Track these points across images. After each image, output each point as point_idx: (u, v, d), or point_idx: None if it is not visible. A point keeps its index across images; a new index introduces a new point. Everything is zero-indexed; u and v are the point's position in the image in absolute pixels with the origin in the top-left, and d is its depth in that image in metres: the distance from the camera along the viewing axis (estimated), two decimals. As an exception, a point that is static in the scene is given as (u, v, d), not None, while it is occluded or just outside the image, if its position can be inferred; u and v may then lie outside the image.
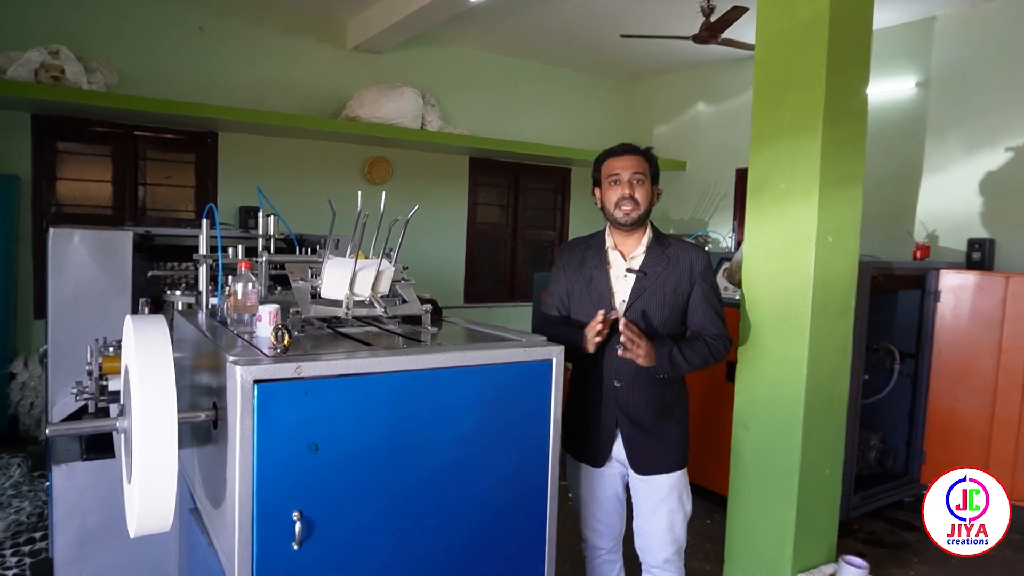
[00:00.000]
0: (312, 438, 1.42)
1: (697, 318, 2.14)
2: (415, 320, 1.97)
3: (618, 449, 2.15)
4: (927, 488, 3.83)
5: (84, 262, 2.70)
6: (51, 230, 2.65)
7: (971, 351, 3.81)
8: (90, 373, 2.24)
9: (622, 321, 2.00)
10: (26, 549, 2.92)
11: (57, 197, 4.95)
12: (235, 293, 1.79)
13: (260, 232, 2.67)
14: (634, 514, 2.22)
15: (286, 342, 1.48)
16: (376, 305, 1.84)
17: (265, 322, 1.69)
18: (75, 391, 2.20)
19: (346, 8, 5.48)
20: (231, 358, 1.37)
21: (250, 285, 1.82)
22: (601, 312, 2.02)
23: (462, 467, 1.62)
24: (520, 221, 7.24)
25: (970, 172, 4.79)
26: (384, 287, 1.89)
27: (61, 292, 2.67)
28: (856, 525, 3.62)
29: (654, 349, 2.03)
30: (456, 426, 1.60)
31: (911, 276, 3.91)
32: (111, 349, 2.27)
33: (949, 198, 4.89)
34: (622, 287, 2.15)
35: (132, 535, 1.39)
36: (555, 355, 1.73)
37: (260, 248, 2.60)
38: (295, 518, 1.40)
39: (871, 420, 4.02)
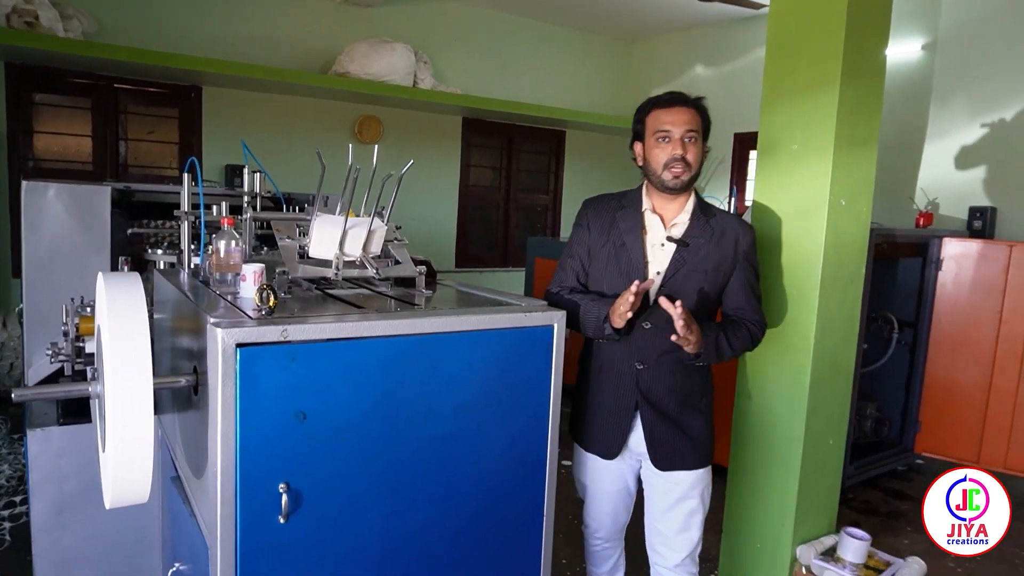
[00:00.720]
0: (300, 406, 1.33)
1: (735, 300, 1.92)
2: (408, 283, 1.88)
3: (635, 440, 1.94)
4: (921, 457, 3.79)
5: (60, 218, 2.58)
6: (24, 184, 2.52)
7: (971, 320, 3.76)
8: (66, 334, 2.14)
9: (669, 302, 1.72)
10: (5, 513, 2.85)
11: (34, 151, 4.77)
12: (217, 251, 1.68)
13: (246, 189, 2.56)
14: (646, 509, 2.02)
15: (271, 303, 1.38)
16: (367, 266, 1.74)
17: (249, 282, 1.58)
18: (50, 353, 2.10)
19: (335, -43, 5.26)
20: (212, 320, 1.27)
21: (233, 243, 1.71)
22: (636, 283, 1.73)
23: (459, 437, 1.54)
24: (513, 184, 7.09)
25: (974, 138, 4.69)
26: (376, 247, 1.79)
27: (36, 249, 2.55)
28: (851, 494, 3.61)
29: (701, 334, 1.79)
30: (453, 394, 1.52)
31: (913, 244, 3.84)
32: (88, 309, 2.17)
33: (952, 165, 4.80)
34: (658, 257, 1.89)
35: (107, 506, 1.31)
36: (556, 320, 1.65)
37: (245, 205, 2.49)
38: (281, 490, 1.32)
39: (868, 389, 3.99)
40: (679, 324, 1.71)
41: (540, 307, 1.66)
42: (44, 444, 2.06)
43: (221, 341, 1.24)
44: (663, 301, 1.73)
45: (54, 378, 2.33)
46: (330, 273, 1.69)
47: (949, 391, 3.84)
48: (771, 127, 2.20)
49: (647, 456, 1.93)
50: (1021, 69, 4.46)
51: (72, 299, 2.15)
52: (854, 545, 2.15)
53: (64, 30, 4.29)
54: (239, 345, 1.26)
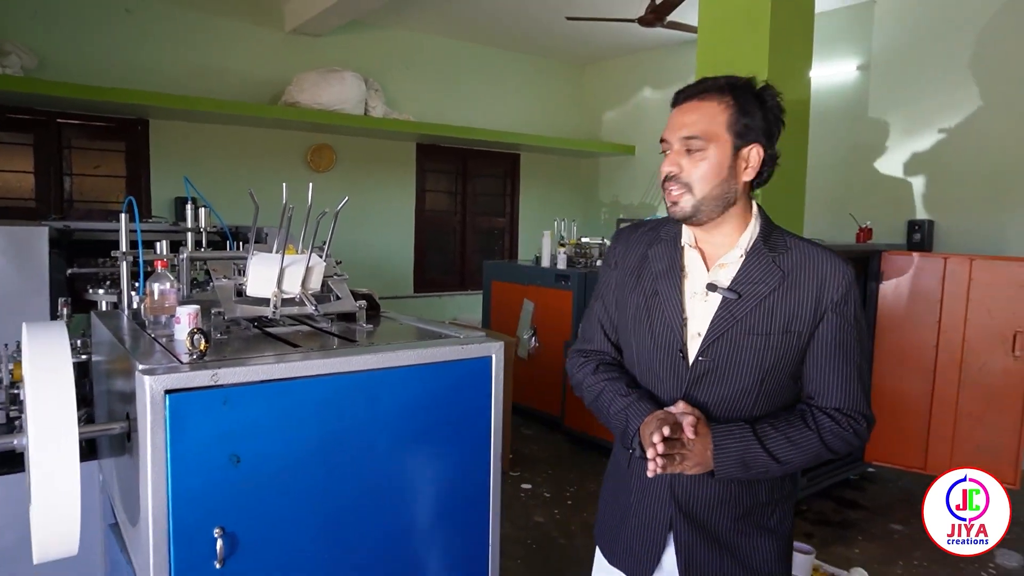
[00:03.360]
0: (233, 450, 1.33)
1: (814, 379, 1.32)
2: (350, 317, 1.88)
3: (669, 559, 1.39)
4: (871, 466, 3.86)
5: (-5, 260, 2.52)
6: (-44, 227, 2.46)
7: (912, 331, 3.89)
8: (0, 382, 2.09)
9: (687, 408, 1.29)
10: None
11: (-27, 189, 4.66)
12: (151, 294, 1.67)
13: (189, 225, 2.54)
14: None
15: (202, 347, 1.37)
16: (306, 303, 1.75)
17: (184, 324, 1.57)
18: (-17, 401, 2.04)
19: (282, -11, 5.28)
20: (140, 366, 1.26)
21: (168, 284, 1.70)
22: (659, 416, 1.27)
23: (400, 474, 1.54)
24: (469, 208, 7.14)
25: (910, 154, 4.89)
26: (315, 283, 1.79)
27: (-30, 293, 2.49)
28: (804, 506, 3.68)
29: (710, 443, 1.26)
30: (392, 430, 1.52)
31: (855, 258, 3.96)
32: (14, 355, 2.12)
33: (890, 180, 4.99)
34: (698, 313, 1.34)
35: (35, 561, 1.28)
36: (494, 351, 1.67)
37: (189, 243, 2.47)
38: (216, 535, 1.30)
39: (817, 401, 4.08)
40: (650, 458, 1.22)
41: (478, 339, 1.67)
42: (-25, 494, 2.00)
43: (149, 388, 1.23)
44: (678, 407, 1.30)
45: (-12, 427, 2.27)
46: (268, 312, 1.69)
47: (896, 400, 3.95)
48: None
49: None
50: (950, 86, 4.67)
51: (6, 345, 2.10)
52: (799, 559, 2.20)
53: (2, 66, 4.22)
54: (168, 391, 1.25)
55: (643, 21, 4.63)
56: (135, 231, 1.98)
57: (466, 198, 7.11)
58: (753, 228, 1.34)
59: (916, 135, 4.85)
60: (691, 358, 1.33)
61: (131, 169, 5.17)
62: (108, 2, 4.92)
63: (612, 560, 1.49)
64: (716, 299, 1.32)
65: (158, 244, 2.12)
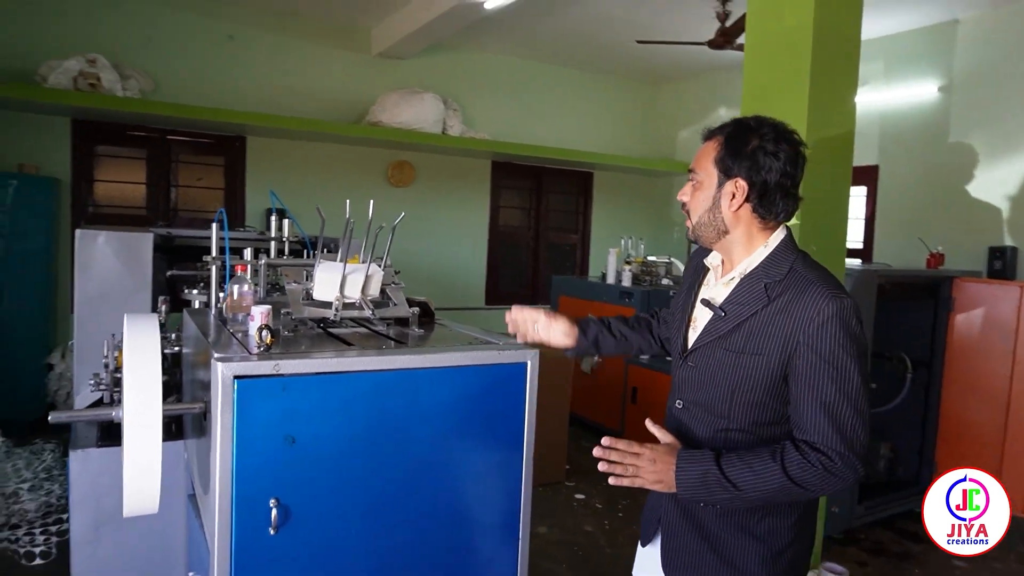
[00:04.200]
0: (289, 431, 1.52)
1: (795, 412, 1.35)
2: (405, 322, 2.07)
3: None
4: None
5: (108, 261, 2.87)
6: (77, 231, 2.82)
7: (984, 360, 3.77)
8: (106, 366, 2.40)
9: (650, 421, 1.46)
10: (54, 528, 3.10)
11: (95, 198, 5.20)
12: (231, 294, 1.91)
13: (273, 234, 2.82)
14: None
15: (268, 341, 1.58)
16: (365, 307, 1.94)
17: (257, 322, 1.80)
18: (93, 383, 2.35)
19: (370, 16, 5.63)
20: (216, 355, 1.48)
21: (246, 287, 1.94)
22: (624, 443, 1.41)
23: (436, 463, 1.70)
24: (542, 224, 7.31)
25: (992, 178, 4.71)
26: (374, 290, 1.99)
27: (86, 289, 2.84)
28: (862, 534, 3.61)
29: (673, 463, 1.35)
30: (430, 424, 1.68)
31: (924, 284, 3.88)
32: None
33: (970, 204, 4.82)
34: (701, 323, 1.50)
35: (124, 515, 1.51)
36: (529, 358, 1.81)
37: (272, 250, 2.74)
38: (272, 505, 1.50)
39: (882, 429, 4.00)
40: (600, 464, 1.41)
41: (515, 346, 1.82)
42: (84, 464, 2.30)
43: (221, 373, 1.44)
44: (648, 424, 1.46)
45: (96, 406, 2.59)
46: (330, 314, 1.89)
47: (964, 430, 3.83)
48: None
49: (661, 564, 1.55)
50: (1039, 108, 4.49)
51: (112, 335, 2.41)
52: (830, 579, 2.22)
53: (123, 89, 4.72)
54: (236, 377, 1.46)
55: (713, 44, 4.68)
56: (225, 239, 2.25)
57: (539, 214, 7.29)
58: (757, 256, 1.44)
59: (1000, 158, 4.67)
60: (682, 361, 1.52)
61: (229, 182, 5.62)
62: (214, 30, 5.40)
63: (641, 521, 1.72)
64: (707, 314, 1.48)
65: (245, 251, 2.39)
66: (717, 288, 1.48)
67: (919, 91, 5.12)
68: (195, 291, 2.97)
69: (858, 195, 5.57)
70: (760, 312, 1.37)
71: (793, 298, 1.35)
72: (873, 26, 5.15)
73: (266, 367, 1.49)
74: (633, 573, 1.76)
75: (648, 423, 1.46)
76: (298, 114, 5.54)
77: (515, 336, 1.87)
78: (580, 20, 5.51)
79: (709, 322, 1.46)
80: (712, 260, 1.54)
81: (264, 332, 1.60)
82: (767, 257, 1.43)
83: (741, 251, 1.45)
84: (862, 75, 5.35)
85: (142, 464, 1.39)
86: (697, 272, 1.59)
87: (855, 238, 5.60)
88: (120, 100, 4.64)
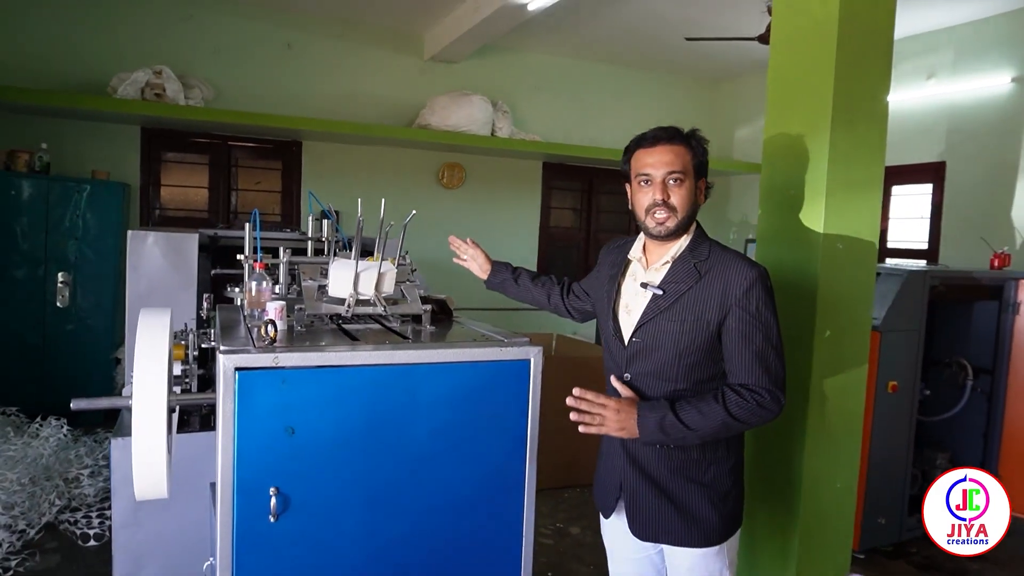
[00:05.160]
0: (289, 422, 1.58)
1: (730, 360, 1.65)
2: (420, 319, 2.10)
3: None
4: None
5: (157, 261, 3.03)
6: (129, 232, 2.99)
7: (1053, 368, 3.53)
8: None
9: (618, 381, 1.70)
10: (109, 513, 3.29)
11: (161, 202, 5.48)
12: (249, 291, 1.99)
13: (310, 234, 2.91)
14: None
15: (272, 335, 1.64)
16: (378, 304, 1.99)
17: (271, 316, 1.87)
18: (136, 375, 2.49)
19: (423, 21, 5.73)
20: (221, 347, 1.55)
21: (264, 284, 2.01)
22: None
23: (435, 457, 1.72)
24: (594, 225, 7.26)
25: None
26: (388, 287, 2.03)
27: (137, 288, 3.01)
28: (913, 548, 3.44)
29: (635, 413, 1.61)
30: (429, 419, 1.71)
31: (986, 286, 3.66)
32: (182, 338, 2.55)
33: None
34: (639, 305, 1.74)
35: (136, 499, 1.59)
36: (533, 355, 1.81)
37: (309, 250, 2.83)
38: (272, 494, 1.56)
39: (941, 438, 3.80)
40: (571, 414, 1.62)
41: (519, 343, 1.83)
42: (123, 452, 2.43)
43: (223, 365, 1.51)
44: (613, 381, 1.71)
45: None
46: (342, 310, 1.95)
47: (1032, 443, 3.60)
48: (770, 174, 2.28)
49: (628, 525, 1.77)
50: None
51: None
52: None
53: (186, 98, 4.96)
54: (238, 368, 1.52)
55: (763, 39, 4.54)
56: (257, 238, 2.34)
57: (591, 215, 7.25)
58: (683, 241, 1.72)
59: (1081, 153, 4.36)
60: (627, 339, 1.73)
61: (286, 185, 5.83)
62: (272, 39, 5.62)
63: (596, 500, 1.89)
64: (646, 295, 1.72)
65: (280, 250, 2.48)
66: (650, 274, 1.74)
67: (991, 83, 4.83)
68: (237, 289, 3.10)
69: (923, 193, 5.30)
70: (694, 287, 1.65)
71: (720, 271, 1.65)
72: (942, 15, 4.89)
73: (266, 359, 1.55)
74: (607, 548, 1.92)
75: (613, 380, 1.70)
76: (352, 119, 5.69)
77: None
78: (629, 18, 5.46)
79: (651, 301, 1.70)
80: (635, 253, 1.81)
81: (268, 327, 1.66)
82: (690, 242, 1.72)
83: (685, 236, 1.73)
84: (929, 67, 5.12)
85: (146, 450, 1.46)
86: (616, 266, 1.85)
87: (919, 238, 5.33)
88: (185, 108, 4.88)
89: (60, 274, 4.70)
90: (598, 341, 5.18)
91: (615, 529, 1.84)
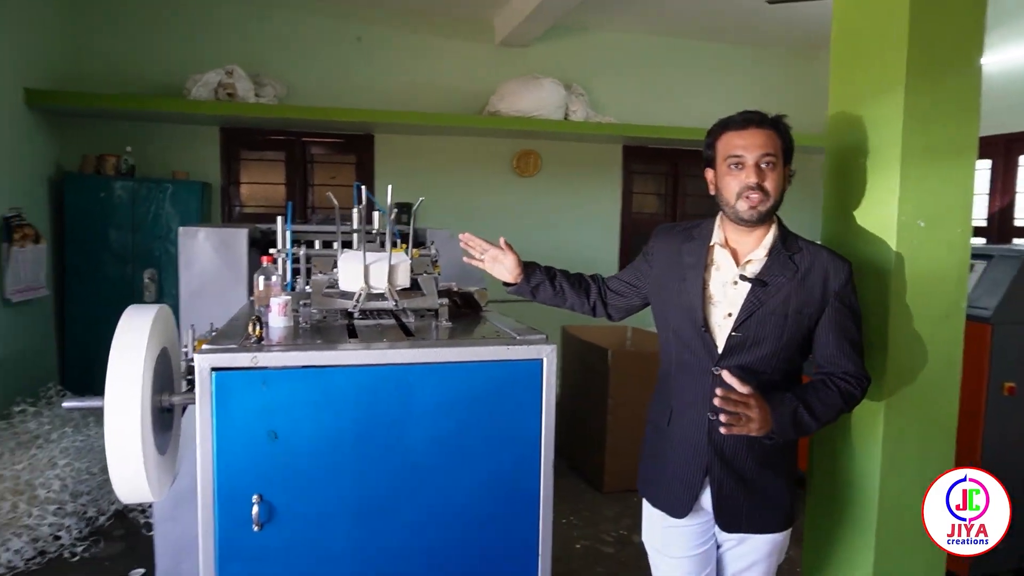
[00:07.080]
0: (272, 426, 1.47)
1: (826, 349, 1.65)
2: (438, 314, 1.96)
3: (707, 499, 1.71)
4: None
5: (208, 256, 3.04)
6: (180, 229, 3.02)
7: None
8: (185, 354, 2.53)
9: (734, 379, 1.52)
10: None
11: (240, 199, 5.64)
12: (256, 285, 1.91)
13: (355, 226, 2.83)
14: (719, 572, 1.81)
15: (257, 333, 1.54)
16: (390, 298, 1.86)
17: (275, 312, 1.78)
18: (182, 371, 2.49)
19: (491, 5, 5.58)
20: (203, 346, 1.46)
21: (273, 278, 1.93)
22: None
23: (437, 468, 1.58)
24: (680, 209, 6.88)
25: None
26: (402, 280, 1.90)
27: (190, 283, 3.03)
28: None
29: (770, 409, 1.53)
30: (428, 424, 1.56)
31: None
32: (212, 333, 2.54)
33: None
34: (730, 298, 1.67)
35: (120, 500, 1.53)
36: (545, 355, 1.63)
37: (354, 243, 2.75)
38: (254, 501, 1.46)
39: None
40: (722, 416, 1.50)
41: (530, 341, 1.65)
42: (160, 447, 2.44)
43: (198, 365, 1.42)
44: (727, 376, 1.53)
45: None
46: (349, 305, 1.83)
47: None
48: (836, 142, 1.98)
49: (716, 520, 1.73)
50: None
51: (192, 325, 2.53)
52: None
53: (257, 96, 5.05)
54: (214, 369, 1.43)
55: (856, -4, 4.07)
56: (288, 231, 2.27)
57: (676, 200, 6.88)
58: (775, 233, 1.70)
59: None
60: (718, 333, 1.66)
61: (360, 178, 5.85)
62: (342, 33, 5.64)
63: (655, 503, 1.80)
64: (745, 287, 1.65)
65: (314, 242, 2.41)
66: (747, 265, 1.68)
67: None
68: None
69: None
70: (795, 280, 1.64)
71: (817, 263, 1.66)
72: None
73: (244, 359, 1.45)
74: (659, 549, 1.82)
75: (725, 375, 1.54)
76: (423, 109, 5.63)
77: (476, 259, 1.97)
78: (708, -13, 5.08)
79: (751, 294, 1.64)
80: (716, 239, 1.74)
81: (254, 324, 1.56)
82: (779, 235, 1.70)
83: (769, 226, 1.70)
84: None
85: (121, 452, 1.39)
86: (683, 254, 1.76)
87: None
88: (256, 106, 4.97)
89: (147, 271, 4.91)
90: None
91: (672, 528, 1.77)
